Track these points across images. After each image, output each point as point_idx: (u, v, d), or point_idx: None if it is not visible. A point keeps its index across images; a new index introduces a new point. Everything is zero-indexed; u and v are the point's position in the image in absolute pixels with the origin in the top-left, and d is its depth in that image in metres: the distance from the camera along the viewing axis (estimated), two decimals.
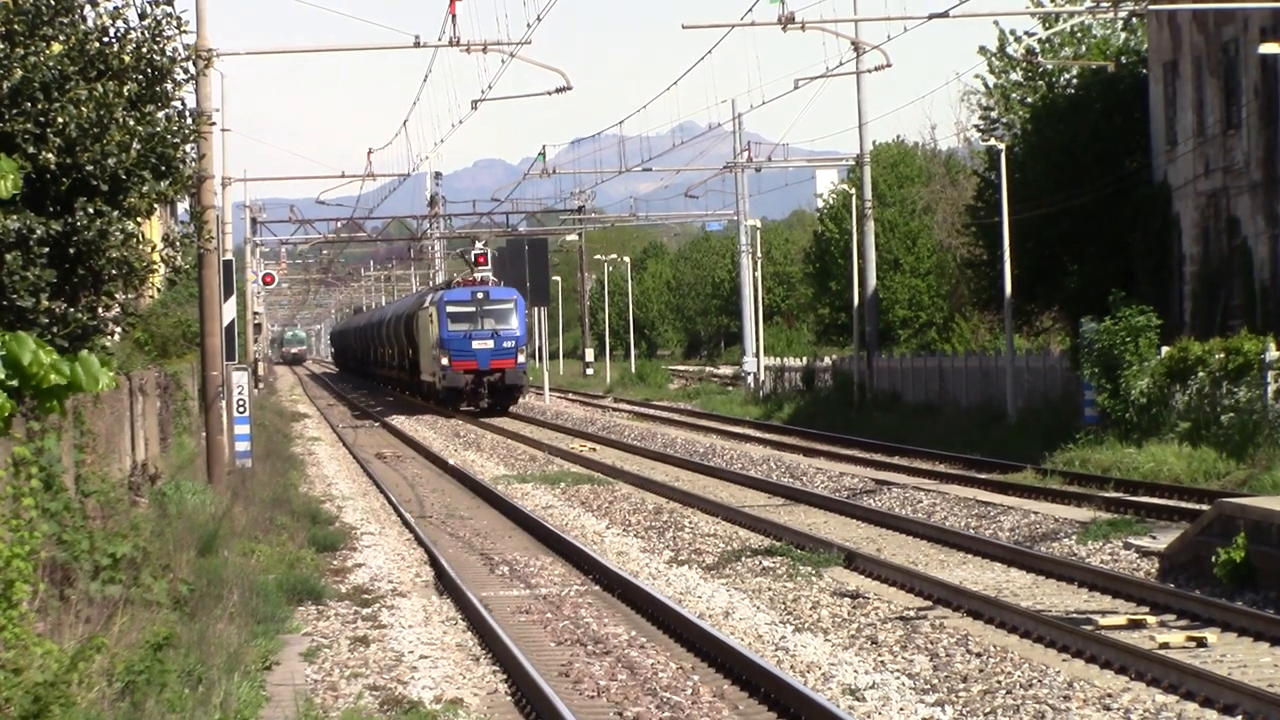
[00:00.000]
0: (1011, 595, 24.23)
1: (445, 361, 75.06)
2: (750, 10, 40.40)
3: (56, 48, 20.90)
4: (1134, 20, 60.93)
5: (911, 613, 23.08)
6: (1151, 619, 21.62)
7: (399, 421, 72.99)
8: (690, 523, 34.17)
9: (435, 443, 60.63)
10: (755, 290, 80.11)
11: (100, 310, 22.15)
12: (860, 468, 45.25)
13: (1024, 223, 54.91)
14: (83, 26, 21.57)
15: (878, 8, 49.90)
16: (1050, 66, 62.01)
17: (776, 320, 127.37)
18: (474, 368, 75.22)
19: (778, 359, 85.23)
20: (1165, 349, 42.56)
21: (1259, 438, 36.51)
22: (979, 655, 19.83)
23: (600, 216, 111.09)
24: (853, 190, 69.31)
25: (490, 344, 75.04)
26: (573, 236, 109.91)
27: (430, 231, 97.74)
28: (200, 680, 16.09)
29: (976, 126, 67.47)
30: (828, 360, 75.56)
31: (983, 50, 63.55)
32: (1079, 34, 62.34)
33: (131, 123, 21.16)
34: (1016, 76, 63.37)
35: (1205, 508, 28.01)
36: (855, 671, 19.02)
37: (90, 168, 20.80)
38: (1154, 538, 28.57)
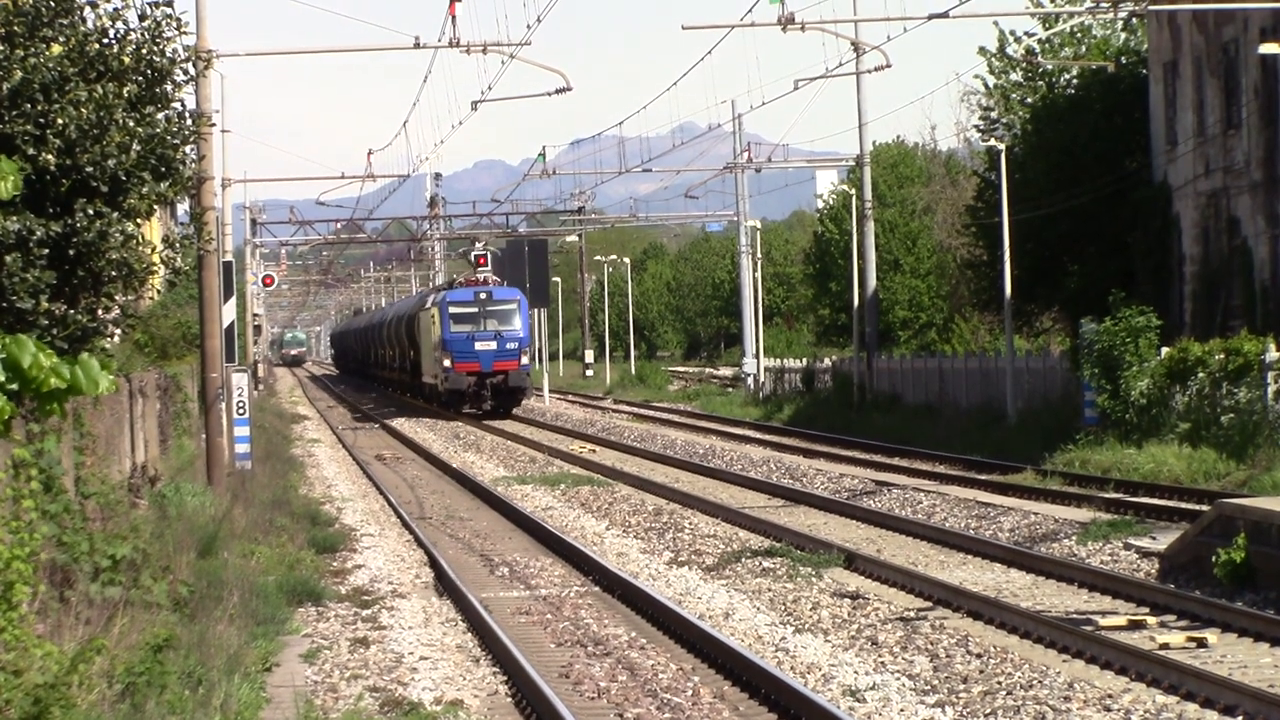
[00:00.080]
0: (1011, 596, 24.23)
1: (447, 363, 74.57)
2: (750, 11, 40.44)
3: (56, 49, 20.90)
4: (1134, 20, 60.96)
5: (912, 613, 23.07)
6: (1151, 620, 21.61)
7: (399, 423, 72.99)
8: (690, 524, 34.18)
9: (435, 444, 60.63)
10: (755, 291, 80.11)
11: (100, 312, 22.14)
12: (860, 469, 45.24)
13: (1024, 223, 54.92)
14: (82, 28, 21.57)
15: (878, 8, 49.90)
16: (1050, 67, 62.03)
17: (776, 321, 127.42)
18: (477, 369, 74.56)
19: (777, 360, 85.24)
20: (1165, 350, 42.56)
21: (1259, 438, 36.51)
22: (979, 656, 19.82)
23: (600, 217, 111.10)
24: (853, 191, 69.32)
25: (493, 345, 74.40)
26: (573, 237, 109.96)
27: (430, 232, 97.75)
28: (200, 682, 16.09)
29: (976, 127, 67.57)
30: (827, 361, 75.54)
31: (983, 51, 63.58)
32: (1079, 34, 62.36)
33: (131, 124, 21.16)
34: (1016, 77, 63.40)
35: (1205, 508, 28.02)
36: (855, 672, 19.02)
37: (90, 169, 20.79)
38: (1154, 538, 28.56)
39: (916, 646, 20.63)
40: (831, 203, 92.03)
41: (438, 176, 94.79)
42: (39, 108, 20.50)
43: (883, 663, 19.75)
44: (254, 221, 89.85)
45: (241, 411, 37.14)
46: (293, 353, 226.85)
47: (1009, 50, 62.67)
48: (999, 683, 18.34)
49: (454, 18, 40.01)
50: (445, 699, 18.13)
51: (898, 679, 18.67)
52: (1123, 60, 60.32)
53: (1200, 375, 40.62)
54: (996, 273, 56.45)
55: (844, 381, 67.03)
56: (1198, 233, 52.90)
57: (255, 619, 21.04)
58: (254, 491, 33.98)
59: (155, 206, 22.59)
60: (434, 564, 29.01)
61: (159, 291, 41.06)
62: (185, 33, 22.71)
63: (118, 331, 30.45)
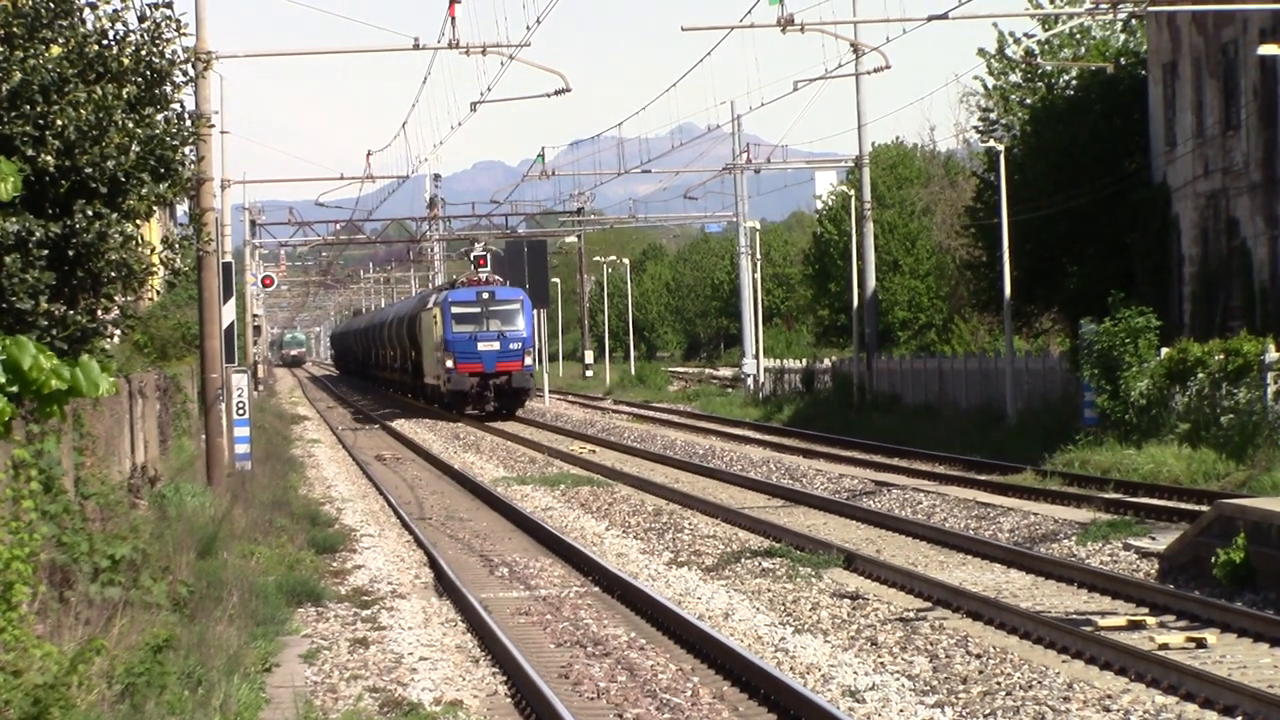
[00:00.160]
0: (1011, 596, 24.23)
1: (450, 364, 74.08)
2: (749, 12, 40.45)
3: (56, 50, 20.91)
4: (1133, 22, 60.96)
5: (911, 614, 23.08)
6: (1151, 620, 21.62)
7: (399, 424, 72.97)
8: (690, 524, 34.18)
9: (435, 445, 60.63)
10: (754, 292, 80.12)
11: (99, 313, 22.15)
12: (860, 469, 45.26)
13: (1023, 224, 54.92)
14: (82, 29, 21.57)
15: (877, 9, 50.06)
16: (1049, 68, 62.03)
17: (776, 322, 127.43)
18: (479, 370, 73.92)
19: (777, 361, 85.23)
20: (1165, 350, 42.57)
21: (1258, 439, 36.52)
22: (979, 656, 19.83)
23: (599, 218, 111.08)
24: (852, 192, 69.31)
25: (496, 345, 73.84)
26: (572, 238, 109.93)
27: (429, 233, 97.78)
28: (200, 682, 16.10)
29: (976, 128, 67.52)
30: (827, 362, 75.54)
31: (982, 52, 63.58)
32: (1078, 35, 62.36)
33: (131, 125, 21.16)
34: (1016, 78, 63.39)
35: (1205, 509, 28.02)
36: (855, 673, 19.02)
37: (89, 170, 20.80)
38: (1154, 539, 28.57)
39: (916, 647, 20.63)
40: (831, 204, 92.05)
41: (437, 177, 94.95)
42: (38, 109, 20.51)
43: (882, 663, 19.76)
44: (253, 222, 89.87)
45: (241, 412, 37.15)
46: (292, 353, 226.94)
47: (1008, 51, 62.67)
48: (998, 683, 18.35)
49: (453, 19, 40.04)
50: (445, 699, 18.14)
51: (897, 679, 18.67)
52: (1122, 61, 60.32)
53: (1200, 376, 40.63)
54: (996, 273, 56.46)
55: (843, 382, 67.04)
56: (1197, 234, 52.91)
57: (255, 619, 21.05)
58: (254, 492, 33.99)
59: (154, 208, 22.59)
60: (434, 564, 29.01)
61: (158, 292, 41.06)
62: (184, 34, 22.72)
63: (117, 332, 30.46)
